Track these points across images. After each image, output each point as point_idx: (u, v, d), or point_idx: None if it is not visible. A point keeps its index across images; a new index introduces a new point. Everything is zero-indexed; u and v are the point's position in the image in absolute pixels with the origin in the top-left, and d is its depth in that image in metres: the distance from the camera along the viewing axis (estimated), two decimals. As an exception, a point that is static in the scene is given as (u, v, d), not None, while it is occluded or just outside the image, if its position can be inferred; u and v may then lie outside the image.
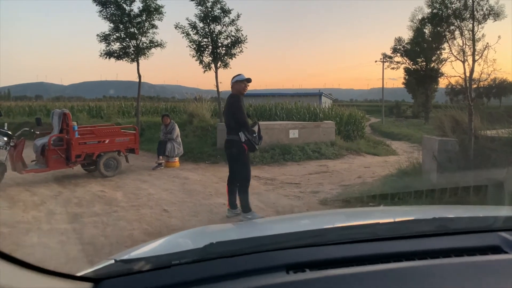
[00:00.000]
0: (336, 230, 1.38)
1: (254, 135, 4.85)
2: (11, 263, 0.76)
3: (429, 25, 33.66)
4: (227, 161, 5.18)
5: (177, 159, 9.18)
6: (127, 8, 12.37)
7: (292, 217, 2.25)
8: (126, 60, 12.79)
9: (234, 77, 4.95)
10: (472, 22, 6.27)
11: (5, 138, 6.83)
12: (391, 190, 5.60)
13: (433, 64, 36.89)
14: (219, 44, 12.46)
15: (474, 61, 5.89)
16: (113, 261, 1.05)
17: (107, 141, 7.93)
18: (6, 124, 7.26)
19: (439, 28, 30.13)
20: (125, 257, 1.10)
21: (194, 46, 12.55)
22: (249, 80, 4.93)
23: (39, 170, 7.32)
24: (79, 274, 0.93)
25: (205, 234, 1.51)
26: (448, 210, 1.77)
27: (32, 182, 7.20)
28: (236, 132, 4.80)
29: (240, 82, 4.90)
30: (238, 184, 5.00)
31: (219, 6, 12.20)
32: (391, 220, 1.56)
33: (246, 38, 12.50)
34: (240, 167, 4.95)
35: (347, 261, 1.01)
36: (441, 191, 4.73)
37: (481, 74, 6.06)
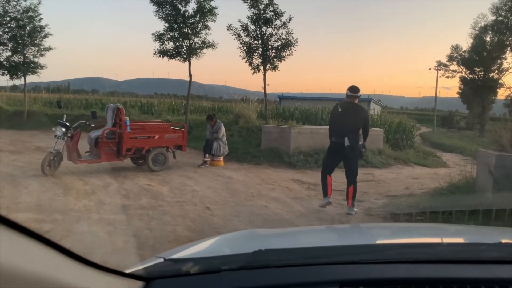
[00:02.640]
0: (395, 247, 1.29)
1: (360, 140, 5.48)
2: (60, 253, 0.69)
3: (492, 32, 31.88)
4: (351, 161, 5.66)
5: (222, 158, 9.30)
6: (182, 8, 12.73)
7: (342, 228, 2.18)
8: (178, 59, 13.15)
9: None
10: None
11: (64, 129, 7.24)
12: (441, 204, 5.32)
13: (493, 74, 34.90)
14: (269, 47, 12.51)
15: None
16: (162, 260, 1.05)
17: (156, 137, 8.18)
18: (65, 116, 7.72)
19: (502, 37, 28.40)
20: (175, 256, 1.10)
21: (245, 47, 12.68)
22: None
23: (92, 161, 7.69)
24: (129, 271, 0.93)
25: (253, 238, 1.49)
26: None
27: (85, 172, 7.57)
28: (356, 134, 5.47)
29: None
30: (353, 181, 5.59)
31: (271, 8, 12.25)
32: (456, 241, 1.45)
33: (297, 41, 12.47)
34: (356, 166, 5.78)
35: (405, 283, 0.94)
36: (497, 211, 4.43)
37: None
